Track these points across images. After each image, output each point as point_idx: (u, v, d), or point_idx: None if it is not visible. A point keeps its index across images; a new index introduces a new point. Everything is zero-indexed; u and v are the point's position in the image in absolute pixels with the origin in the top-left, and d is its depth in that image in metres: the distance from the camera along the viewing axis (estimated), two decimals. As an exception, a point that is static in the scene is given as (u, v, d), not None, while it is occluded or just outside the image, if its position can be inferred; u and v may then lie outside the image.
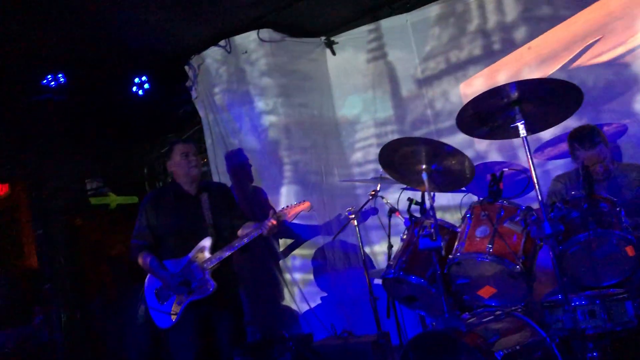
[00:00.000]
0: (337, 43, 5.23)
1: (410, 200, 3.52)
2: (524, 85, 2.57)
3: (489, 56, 4.57)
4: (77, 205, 5.41)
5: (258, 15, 4.75)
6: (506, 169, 3.14)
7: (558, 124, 2.93)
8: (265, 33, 4.91)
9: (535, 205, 2.85)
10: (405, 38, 4.91)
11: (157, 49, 4.97)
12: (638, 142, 3.97)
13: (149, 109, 5.38)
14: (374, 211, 4.55)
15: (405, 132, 4.85)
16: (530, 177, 2.68)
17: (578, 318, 2.71)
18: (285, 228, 4.85)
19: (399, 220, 3.94)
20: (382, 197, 4.09)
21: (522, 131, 2.68)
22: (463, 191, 3.91)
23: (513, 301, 3.07)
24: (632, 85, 4.03)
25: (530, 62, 4.36)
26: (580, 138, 3.47)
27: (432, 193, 3.14)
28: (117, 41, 4.58)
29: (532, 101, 2.66)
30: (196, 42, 5.02)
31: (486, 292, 3.03)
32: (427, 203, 3.31)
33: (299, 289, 4.89)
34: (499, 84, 2.62)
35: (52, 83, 4.58)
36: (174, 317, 3.76)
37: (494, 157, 4.49)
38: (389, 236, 3.94)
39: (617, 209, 2.82)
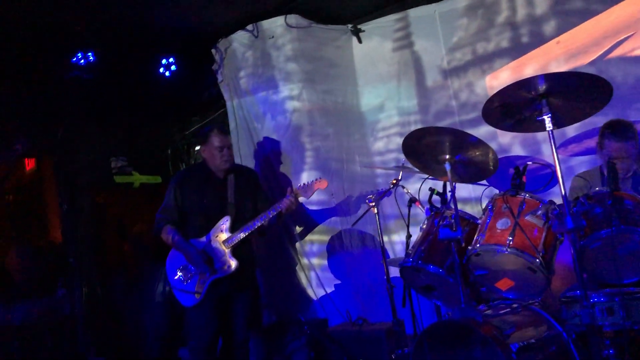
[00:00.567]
0: (363, 31, 5.23)
1: (431, 190, 3.52)
2: (552, 78, 2.55)
3: (517, 49, 4.52)
4: (101, 183, 5.50)
5: (286, 0, 4.76)
6: (530, 162, 3.12)
7: (585, 119, 2.89)
8: (293, 19, 4.93)
9: (558, 200, 2.85)
10: (433, 28, 4.88)
11: (185, 31, 5.02)
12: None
13: (175, 90, 5.44)
14: (389, 193, 4.55)
15: (429, 122, 4.84)
16: (554, 171, 2.66)
17: (596, 314, 2.71)
18: (302, 212, 4.90)
19: (418, 211, 3.95)
20: (403, 187, 4.09)
21: (549, 125, 2.65)
22: (484, 184, 3.91)
23: (530, 295, 3.07)
24: (662, 83, 3.97)
25: (558, 56, 4.31)
26: (615, 128, 3.43)
27: (454, 184, 3.14)
28: (146, 22, 4.64)
29: (559, 95, 2.63)
30: (224, 25, 5.06)
31: (504, 284, 3.04)
32: (449, 194, 3.33)
33: (315, 274, 4.93)
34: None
35: (82, 61, 4.65)
36: (197, 296, 3.85)
37: (517, 151, 4.46)
38: (407, 226, 3.95)
39: (642, 206, 2.80)
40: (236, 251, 3.89)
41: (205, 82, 5.57)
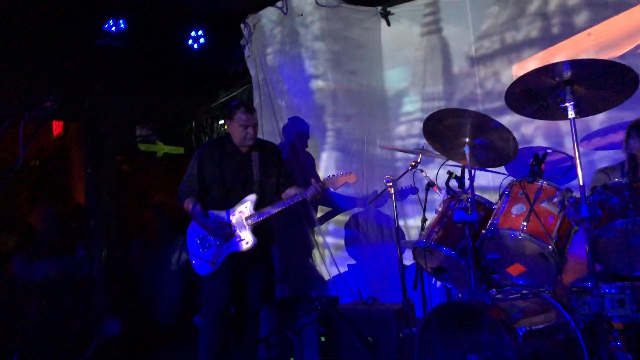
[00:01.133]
0: (392, 14, 5.20)
1: (449, 173, 3.54)
2: (578, 65, 2.54)
3: (546, 39, 4.46)
4: (126, 149, 5.59)
5: (317, -22, 4.78)
6: (550, 151, 3.12)
7: (608, 109, 2.88)
8: (322, -4, 4.93)
9: (576, 193, 2.85)
10: (463, 14, 4.84)
11: (216, 5, 5.06)
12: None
13: (202, 63, 5.50)
14: (413, 190, 4.57)
15: (453, 109, 4.82)
16: (573, 159, 2.66)
17: (606, 305, 2.72)
18: (326, 196, 4.95)
19: (436, 196, 3.97)
20: (422, 170, 4.11)
21: (571, 113, 2.65)
22: (504, 173, 3.91)
23: (541, 282, 3.09)
24: (694, 82, 3.89)
25: (588, 48, 4.25)
26: (639, 128, 3.41)
27: (472, 170, 3.15)
28: (179, -7, 4.68)
29: (584, 83, 2.63)
30: (254, 1, 5.08)
31: (515, 269, 3.05)
32: (466, 179, 3.34)
33: (330, 253, 4.98)
34: (553, 68, 2.59)
35: (113, 28, 4.72)
36: (212, 266, 3.92)
37: (540, 142, 4.43)
38: (424, 210, 3.97)
39: (660, 200, 2.78)
40: (256, 228, 3.96)
41: (232, 57, 5.62)
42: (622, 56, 4.11)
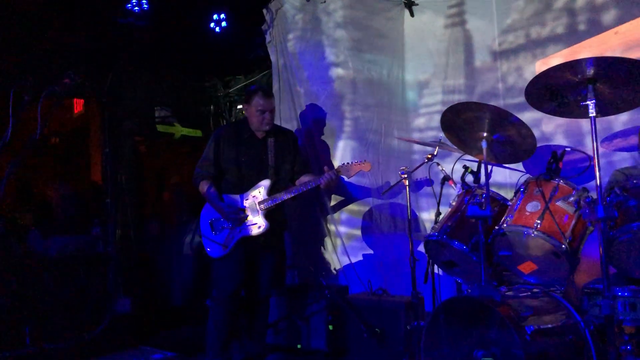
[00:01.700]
0: (417, 5, 5.13)
1: (465, 168, 3.51)
2: (601, 62, 2.49)
3: (572, 36, 4.37)
4: (144, 130, 5.63)
5: (341, -35, 4.74)
6: (568, 149, 3.08)
7: (629, 110, 2.83)
8: (346, -16, 4.89)
9: (593, 193, 2.81)
10: (488, 8, 4.76)
11: (240, -13, 5.06)
12: None
13: (223, 46, 5.49)
14: (428, 182, 4.54)
15: (473, 103, 4.78)
16: (592, 159, 2.62)
17: (618, 308, 2.68)
18: (340, 185, 4.94)
19: (451, 190, 3.93)
20: (438, 164, 4.07)
21: (592, 111, 2.60)
22: (521, 171, 3.86)
23: (552, 281, 3.06)
24: None
25: (615, 47, 4.15)
26: None
27: (489, 165, 3.12)
28: (203, -24, 4.67)
29: (607, 81, 2.58)
30: (277, -15, 5.07)
31: (527, 267, 3.03)
32: (482, 174, 3.31)
33: (342, 242, 4.98)
34: (577, 66, 2.54)
35: (136, 8, 4.71)
36: (224, 249, 3.96)
37: (560, 140, 4.36)
38: (438, 203, 3.94)
39: (679, 204, 2.74)
40: (269, 213, 3.99)
41: (253, 42, 5.60)
42: (650, 56, 4.03)
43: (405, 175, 3.94)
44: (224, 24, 5.27)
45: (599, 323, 2.80)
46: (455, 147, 3.68)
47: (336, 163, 4.93)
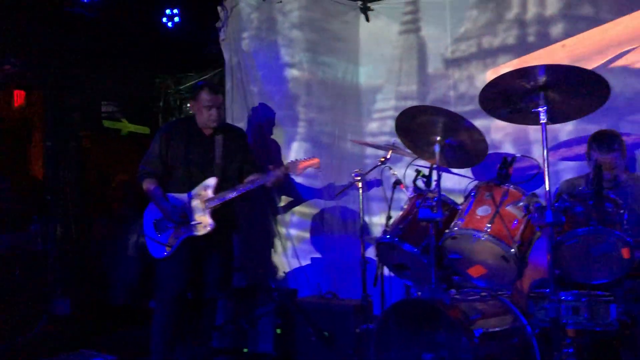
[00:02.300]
0: (372, 10, 5.17)
1: (417, 171, 3.54)
2: (553, 70, 2.55)
3: (522, 47, 4.50)
4: (90, 125, 5.43)
5: (298, -34, 4.72)
6: (519, 155, 3.15)
7: (578, 118, 2.93)
8: (303, -15, 4.87)
9: (541, 199, 2.87)
10: (442, 16, 4.84)
11: (193, -16, 4.96)
12: (653, 156, 3.96)
13: (175, 42, 5.37)
14: (378, 183, 4.56)
15: (425, 109, 4.83)
16: (540, 167, 2.68)
17: (561, 312, 2.74)
18: (288, 184, 4.89)
19: (402, 195, 3.96)
20: (390, 168, 4.10)
21: (543, 118, 2.66)
22: (470, 177, 3.93)
23: (501, 285, 3.11)
24: (659, 100, 3.99)
25: (562, 59, 4.28)
26: (600, 140, 3.48)
27: (440, 170, 3.16)
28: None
29: (557, 89, 2.65)
30: (234, -17, 4.99)
31: (476, 271, 3.06)
32: (434, 179, 3.34)
33: (292, 244, 4.94)
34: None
35: (86, -2, 4.56)
36: (168, 249, 3.84)
37: (508, 148, 4.47)
38: (389, 207, 3.95)
39: (621, 211, 2.84)
40: (215, 213, 3.86)
41: (206, 39, 5.48)
42: (594, 70, 4.18)
43: (359, 178, 3.94)
44: (176, 19, 5.17)
45: (544, 326, 2.86)
46: (408, 152, 3.72)
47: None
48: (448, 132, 3.09)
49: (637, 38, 4.05)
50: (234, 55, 5.21)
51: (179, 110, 5.99)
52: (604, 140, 3.48)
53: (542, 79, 2.61)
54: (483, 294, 3.12)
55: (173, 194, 3.92)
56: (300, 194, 4.97)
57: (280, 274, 4.94)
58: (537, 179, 3.30)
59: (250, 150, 4.28)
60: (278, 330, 4.24)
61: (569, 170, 4.14)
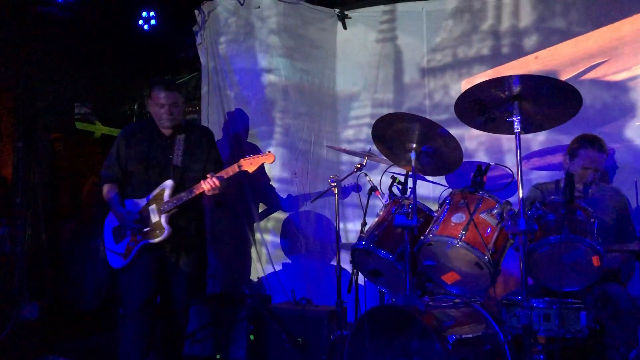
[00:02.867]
0: (349, 18, 5.21)
1: (393, 178, 3.57)
2: (527, 80, 2.60)
3: (496, 58, 4.59)
4: (62, 126, 5.33)
5: (277, -28, 4.73)
6: (493, 164, 3.19)
7: (551, 128, 2.98)
8: (282, -8, 4.88)
9: (514, 206, 2.92)
10: (418, 25, 4.91)
11: (171, -14, 4.93)
12: (622, 167, 4.05)
13: (151, 45, 5.31)
14: (356, 188, 4.57)
15: (400, 117, 4.87)
16: (514, 177, 2.72)
17: (533, 318, 2.78)
18: (267, 193, 4.88)
19: (377, 202, 3.98)
20: (366, 174, 4.12)
21: (517, 127, 2.71)
22: (444, 185, 3.97)
23: (474, 291, 3.13)
24: (628, 111, 4.10)
25: (535, 71, 4.39)
26: (592, 140, 3.59)
27: (415, 176, 3.18)
28: (133, -31, 4.51)
29: (531, 99, 2.69)
30: (211, -13, 4.98)
31: (450, 277, 3.08)
32: (409, 186, 3.37)
33: (267, 251, 4.92)
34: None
35: (60, -2, 4.48)
36: (125, 259, 3.65)
37: (481, 157, 4.54)
38: (364, 213, 3.97)
39: (592, 219, 2.90)
40: (176, 217, 3.68)
41: (183, 42, 5.47)
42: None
43: (335, 184, 3.95)
44: (153, 22, 5.13)
45: (516, 333, 2.89)
46: (384, 159, 3.74)
47: (266, 169, 4.87)
48: (424, 139, 3.12)
49: (607, 52, 4.17)
50: (210, 59, 5.19)
51: (154, 113, 5.93)
52: (597, 140, 3.59)
53: (516, 88, 2.65)
54: (456, 300, 3.14)
55: (132, 199, 3.74)
56: (277, 201, 4.95)
57: (255, 280, 4.91)
58: (510, 187, 3.36)
59: (215, 148, 4.00)
60: (251, 337, 4.21)
61: (541, 180, 4.20)
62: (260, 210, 4.97)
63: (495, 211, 2.93)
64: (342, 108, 5.23)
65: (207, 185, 3.58)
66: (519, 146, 2.71)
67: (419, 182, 3.69)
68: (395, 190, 3.57)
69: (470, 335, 2.92)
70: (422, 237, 3.05)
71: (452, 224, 2.97)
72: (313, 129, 5.04)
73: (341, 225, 4.78)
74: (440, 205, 3.20)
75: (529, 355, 2.66)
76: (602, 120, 4.17)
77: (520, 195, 2.67)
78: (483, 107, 2.81)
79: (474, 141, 4.54)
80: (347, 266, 4.01)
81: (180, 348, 4.01)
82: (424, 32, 4.90)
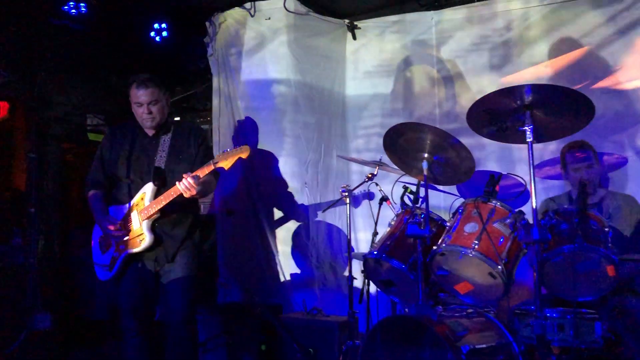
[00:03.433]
0: (359, 28, 5.25)
1: (405, 188, 3.57)
2: (538, 90, 2.60)
3: (507, 67, 4.60)
4: (74, 137, 5.38)
5: (287, -16, 4.76)
6: (505, 173, 3.18)
7: (563, 137, 2.98)
8: (291, 3, 4.89)
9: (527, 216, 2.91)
10: (428, 35, 4.93)
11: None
12: (635, 176, 4.03)
13: (163, 57, 5.35)
14: (368, 196, 4.57)
15: (411, 127, 4.88)
16: (527, 187, 2.72)
17: (547, 329, 2.77)
18: (278, 202, 4.88)
19: (388, 211, 3.98)
20: (377, 184, 4.12)
21: (529, 136, 2.71)
22: (455, 195, 3.96)
23: (487, 301, 3.12)
24: (640, 121, 4.09)
25: (546, 80, 4.39)
26: (573, 142, 3.69)
27: (427, 186, 3.18)
28: (145, -18, 4.56)
29: (543, 108, 2.70)
30: (222, -1, 5.02)
31: (463, 287, 3.07)
32: (421, 194, 3.37)
33: (277, 260, 4.91)
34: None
35: (73, 11, 4.51)
36: (110, 271, 3.43)
37: (492, 166, 4.52)
38: (376, 223, 3.99)
39: (606, 229, 2.88)
40: (158, 223, 3.37)
41: (194, 54, 5.51)
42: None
43: (346, 193, 3.95)
44: (164, 33, 5.16)
45: (529, 343, 2.87)
46: (395, 168, 3.74)
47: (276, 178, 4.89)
48: (436, 149, 3.12)
49: (619, 60, 4.16)
50: (221, 70, 5.22)
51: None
52: (576, 141, 3.66)
53: (528, 98, 2.66)
54: (469, 310, 3.12)
55: (116, 205, 3.48)
56: (288, 210, 4.95)
57: (266, 289, 4.90)
58: (522, 196, 3.36)
59: (205, 147, 3.63)
60: (263, 347, 4.20)
61: (553, 188, 4.20)
62: (270, 220, 4.96)
63: (508, 221, 2.92)
64: (352, 118, 5.25)
65: (182, 185, 3.15)
66: (531, 155, 2.71)
67: (430, 192, 3.69)
68: (406, 199, 3.57)
69: (484, 346, 2.90)
70: (434, 247, 3.05)
71: (465, 234, 2.96)
72: (323, 138, 5.05)
73: (352, 235, 4.78)
74: (453, 215, 3.20)
75: (544, 365, 2.64)
76: (614, 129, 4.16)
77: (534, 205, 2.66)
78: (494, 116, 2.81)
79: (484, 151, 4.53)
80: (358, 276, 4.01)
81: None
82: (433, 42, 4.92)
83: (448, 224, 3.18)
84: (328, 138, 5.11)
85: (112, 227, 3.35)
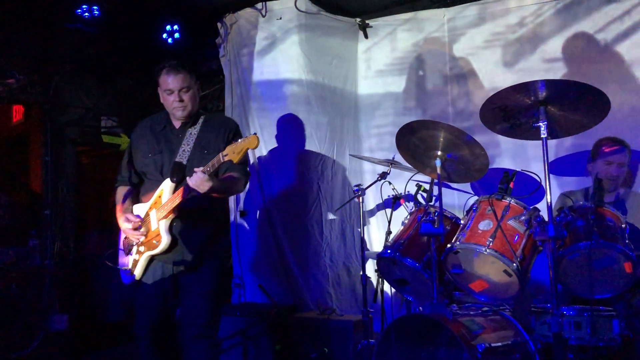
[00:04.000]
0: (370, 27, 5.24)
1: (418, 186, 3.56)
2: (553, 85, 2.58)
3: (520, 63, 4.55)
4: (89, 140, 5.42)
5: (299, -17, 4.77)
6: (520, 170, 3.16)
7: (578, 133, 2.94)
8: (302, 3, 4.88)
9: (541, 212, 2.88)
10: (440, 33, 4.91)
11: (194, 1, 4.98)
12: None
13: (175, 58, 5.34)
14: (381, 195, 4.49)
15: (424, 125, 4.85)
16: (539, 182, 2.69)
17: (563, 326, 2.74)
18: (287, 203, 4.87)
19: (401, 210, 3.97)
20: (390, 183, 4.11)
21: (544, 132, 2.68)
22: (469, 192, 3.93)
23: (503, 300, 3.09)
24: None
25: (560, 75, 4.34)
26: (611, 137, 3.63)
27: (441, 184, 3.17)
28: (157, -16, 4.59)
29: (557, 103, 2.67)
30: (233, 0, 5.02)
31: (478, 285, 3.05)
32: (435, 192, 3.35)
33: (291, 260, 4.90)
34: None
35: (86, 14, 4.54)
36: (131, 274, 3.21)
37: (506, 164, 4.48)
38: (389, 222, 3.98)
39: (623, 225, 2.85)
40: (177, 224, 3.11)
41: (206, 55, 5.53)
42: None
43: (359, 192, 3.94)
44: (176, 35, 5.17)
45: (546, 342, 2.85)
46: (408, 167, 3.73)
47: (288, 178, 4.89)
48: (449, 146, 3.10)
49: (633, 55, 4.10)
50: (233, 71, 5.23)
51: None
52: (615, 138, 3.60)
53: (542, 93, 2.63)
54: (485, 309, 3.10)
55: (140, 204, 3.24)
56: (300, 209, 4.94)
57: (280, 289, 4.90)
58: (537, 193, 3.32)
59: (234, 141, 3.00)
60: (277, 347, 4.21)
61: (567, 186, 4.16)
62: (284, 220, 4.96)
63: (523, 218, 2.89)
64: (365, 117, 5.24)
65: (192, 180, 2.87)
66: (546, 152, 2.69)
67: (444, 190, 3.67)
68: (420, 198, 3.56)
69: (500, 344, 2.87)
70: (448, 245, 3.03)
71: (480, 232, 2.94)
72: (335, 138, 5.04)
73: (365, 234, 4.77)
74: (467, 213, 3.18)
75: (561, 363, 2.61)
76: (630, 125, 4.09)
77: (549, 201, 2.64)
78: (508, 113, 2.79)
79: (498, 148, 4.49)
80: (372, 275, 4.00)
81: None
82: (446, 39, 4.89)
83: (462, 221, 3.17)
84: (340, 137, 5.10)
85: (130, 226, 3.12)
